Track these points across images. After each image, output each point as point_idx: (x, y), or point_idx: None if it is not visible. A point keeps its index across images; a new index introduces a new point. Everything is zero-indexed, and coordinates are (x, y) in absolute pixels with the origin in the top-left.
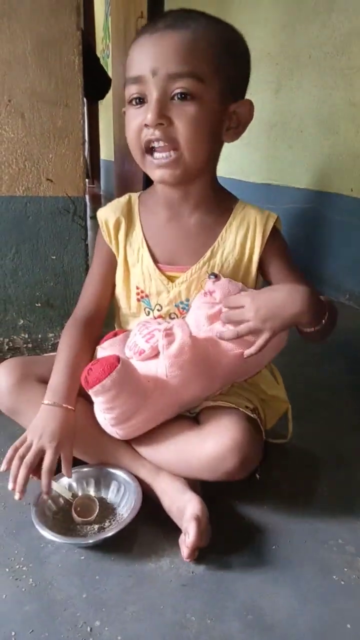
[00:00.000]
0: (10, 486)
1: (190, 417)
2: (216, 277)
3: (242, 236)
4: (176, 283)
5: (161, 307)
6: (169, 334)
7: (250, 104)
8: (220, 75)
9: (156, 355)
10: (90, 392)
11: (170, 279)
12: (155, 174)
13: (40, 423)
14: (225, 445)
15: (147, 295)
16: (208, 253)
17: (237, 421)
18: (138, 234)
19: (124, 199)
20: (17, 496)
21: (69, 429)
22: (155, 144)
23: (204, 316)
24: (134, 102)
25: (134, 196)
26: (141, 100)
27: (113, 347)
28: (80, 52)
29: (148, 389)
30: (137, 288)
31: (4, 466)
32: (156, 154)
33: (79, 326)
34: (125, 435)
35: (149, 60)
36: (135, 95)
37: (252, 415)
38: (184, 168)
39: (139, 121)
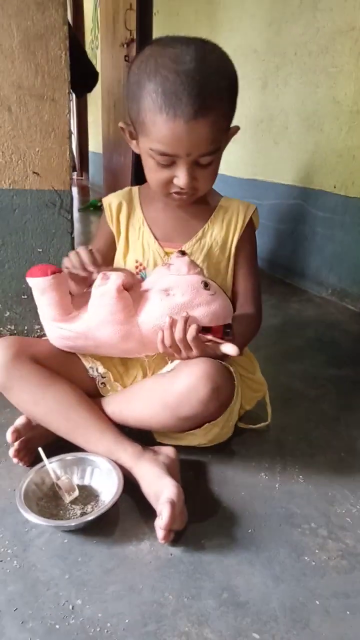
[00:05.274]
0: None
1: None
2: (183, 254)
3: (228, 220)
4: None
5: None
6: (104, 277)
7: (238, 129)
8: (229, 122)
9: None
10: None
11: (167, 254)
12: (174, 202)
13: None
14: (197, 375)
15: (144, 268)
16: (200, 232)
17: (207, 359)
18: (139, 216)
19: (126, 189)
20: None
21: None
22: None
23: (158, 283)
24: (161, 160)
25: (135, 188)
26: (168, 160)
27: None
28: (67, 47)
29: (70, 309)
30: (137, 262)
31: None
32: (178, 196)
33: None
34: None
35: (184, 147)
36: (165, 157)
37: (224, 364)
38: (196, 197)
39: (167, 175)
